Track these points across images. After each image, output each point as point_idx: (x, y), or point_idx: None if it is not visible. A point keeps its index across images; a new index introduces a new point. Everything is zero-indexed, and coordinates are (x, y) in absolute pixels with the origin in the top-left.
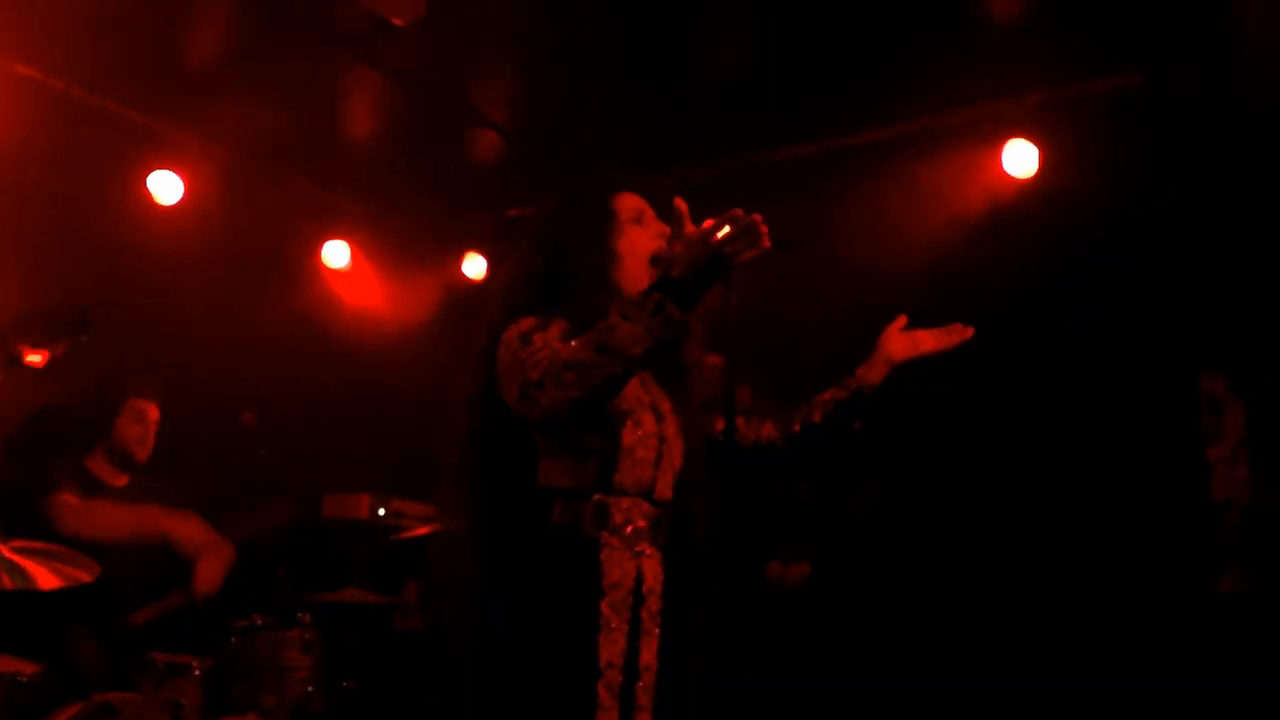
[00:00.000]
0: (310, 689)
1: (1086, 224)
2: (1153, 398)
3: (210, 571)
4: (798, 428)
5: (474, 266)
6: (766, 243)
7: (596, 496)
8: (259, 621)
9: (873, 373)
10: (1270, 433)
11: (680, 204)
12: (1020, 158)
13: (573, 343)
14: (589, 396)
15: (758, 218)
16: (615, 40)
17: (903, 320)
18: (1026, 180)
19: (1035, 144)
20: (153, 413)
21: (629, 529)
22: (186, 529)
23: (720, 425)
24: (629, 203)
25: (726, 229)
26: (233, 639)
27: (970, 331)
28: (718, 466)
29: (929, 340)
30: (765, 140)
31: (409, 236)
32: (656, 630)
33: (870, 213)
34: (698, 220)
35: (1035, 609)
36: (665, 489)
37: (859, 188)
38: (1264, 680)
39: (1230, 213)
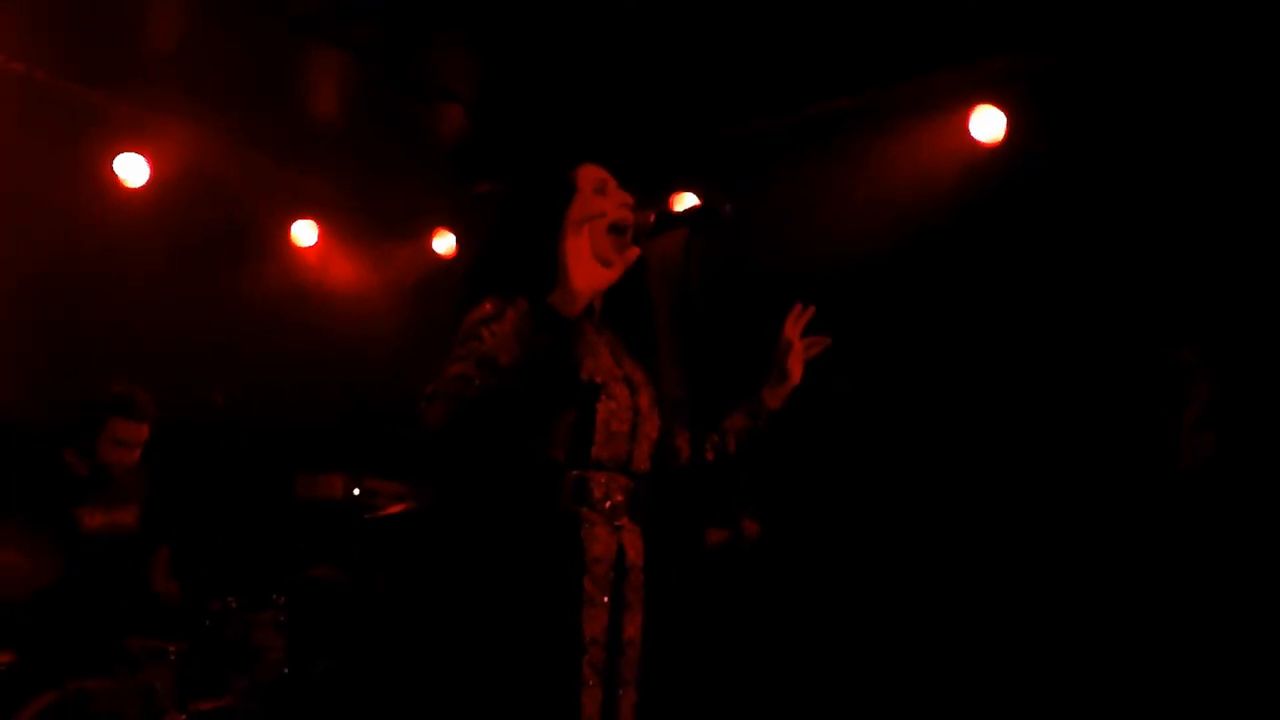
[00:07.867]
0: (284, 670)
1: (1055, 190)
2: (1119, 363)
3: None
4: (711, 456)
5: (443, 243)
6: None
7: (575, 472)
8: (232, 604)
9: (775, 398)
10: (1235, 398)
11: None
12: (987, 123)
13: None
14: (466, 411)
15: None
16: (577, 11)
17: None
18: (994, 146)
19: (1002, 109)
20: (141, 434)
21: (608, 503)
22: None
23: (681, 440)
24: (590, 174)
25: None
26: (206, 621)
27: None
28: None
29: (797, 361)
30: (732, 113)
31: (377, 214)
32: (639, 604)
33: (837, 183)
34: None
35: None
36: (642, 460)
37: (827, 158)
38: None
39: (1197, 177)
